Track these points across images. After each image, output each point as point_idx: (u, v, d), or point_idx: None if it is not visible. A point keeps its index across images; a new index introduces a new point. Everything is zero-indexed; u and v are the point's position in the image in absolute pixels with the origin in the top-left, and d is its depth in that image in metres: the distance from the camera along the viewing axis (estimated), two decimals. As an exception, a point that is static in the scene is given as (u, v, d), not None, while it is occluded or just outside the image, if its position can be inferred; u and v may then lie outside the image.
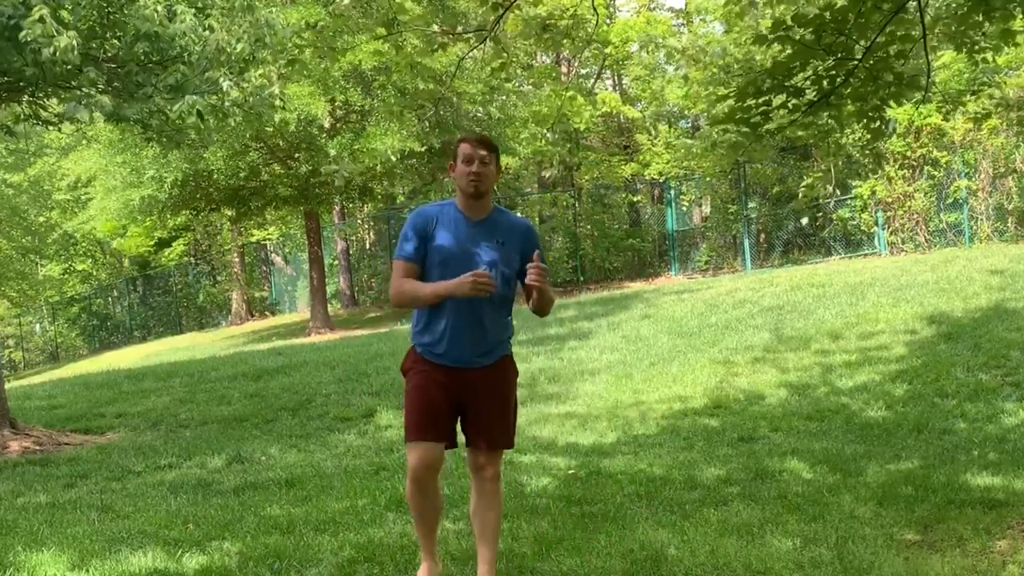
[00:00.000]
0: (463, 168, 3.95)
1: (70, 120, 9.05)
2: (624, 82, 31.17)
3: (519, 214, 29.96)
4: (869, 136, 5.61)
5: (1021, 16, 5.40)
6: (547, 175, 29.47)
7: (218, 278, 33.85)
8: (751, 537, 4.69)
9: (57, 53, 7.93)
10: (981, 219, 17.72)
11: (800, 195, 20.54)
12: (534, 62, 29.18)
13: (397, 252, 4.03)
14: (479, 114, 22.17)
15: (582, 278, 24.54)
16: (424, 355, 4.03)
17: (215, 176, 19.78)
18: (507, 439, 4.09)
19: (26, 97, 9.79)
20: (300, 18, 17.74)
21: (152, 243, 32.94)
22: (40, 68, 8.40)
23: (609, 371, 11.00)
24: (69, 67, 8.23)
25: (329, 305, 23.97)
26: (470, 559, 4.48)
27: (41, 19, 7.67)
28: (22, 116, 10.07)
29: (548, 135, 27.00)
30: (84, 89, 8.99)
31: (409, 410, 4.01)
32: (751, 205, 22.88)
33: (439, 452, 3.97)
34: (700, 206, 25.69)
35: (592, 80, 30.78)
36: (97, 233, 32.35)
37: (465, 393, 4.01)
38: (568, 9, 20.39)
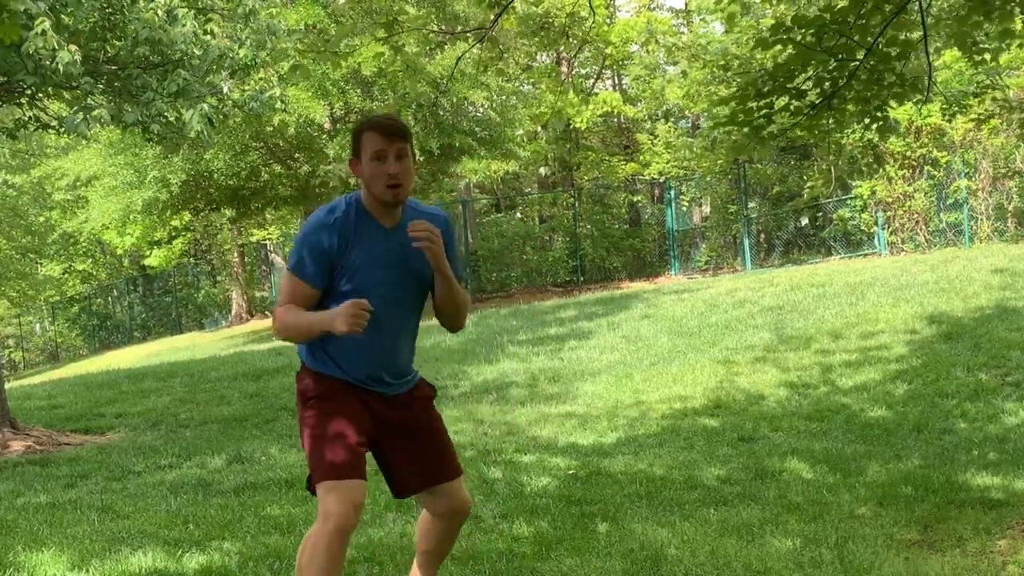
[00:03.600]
0: (376, 168, 3.09)
1: (72, 131, 9.07)
2: (624, 82, 31.17)
3: (516, 214, 29.91)
4: (874, 136, 5.62)
5: (1021, 16, 5.40)
6: (544, 173, 29.46)
7: (218, 278, 33.85)
8: (751, 537, 4.69)
9: (60, 66, 7.97)
10: (981, 219, 17.73)
11: (804, 195, 20.55)
12: (534, 63, 29.19)
13: (294, 266, 3.18)
14: (478, 115, 22.16)
15: (582, 278, 24.54)
16: (335, 377, 3.24)
17: (215, 176, 19.78)
18: (457, 466, 3.40)
19: (25, 99, 9.80)
20: (299, 19, 17.77)
21: (174, 252, 33.04)
22: (41, 76, 8.44)
23: (609, 371, 11.00)
24: (70, 73, 8.27)
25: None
26: (470, 559, 4.48)
27: (43, 32, 7.70)
28: (22, 120, 10.08)
29: (545, 132, 27.01)
30: (83, 99, 9.03)
31: (325, 442, 3.11)
32: (751, 205, 22.88)
33: (364, 491, 3.10)
34: (700, 206, 25.70)
35: (592, 80, 30.79)
36: (114, 247, 32.44)
37: (384, 423, 3.28)
38: (565, 7, 20.41)
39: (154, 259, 32.74)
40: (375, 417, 3.26)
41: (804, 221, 21.74)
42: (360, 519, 3.15)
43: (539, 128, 26.75)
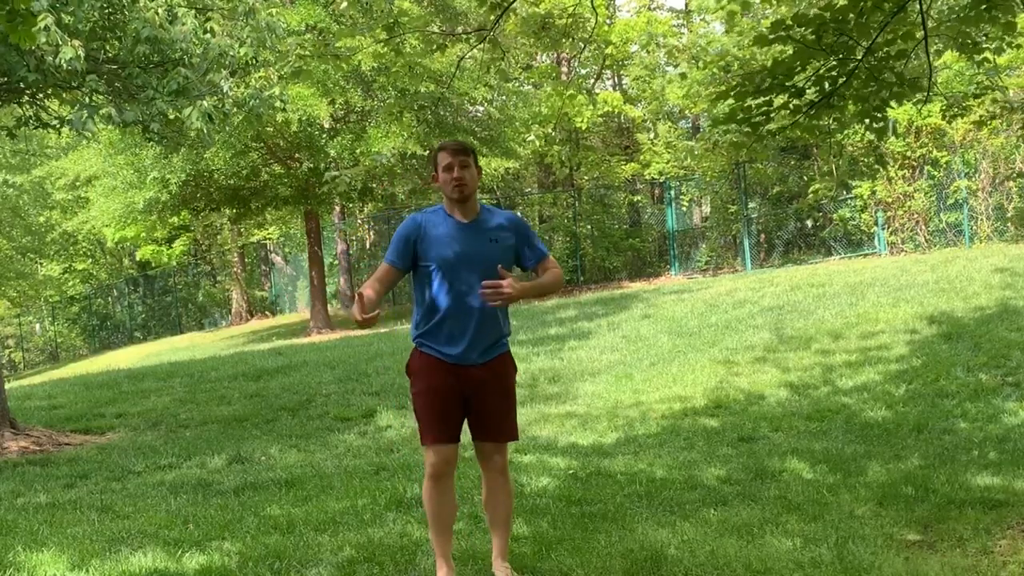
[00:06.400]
0: (445, 175, 4.13)
1: (76, 129, 9.07)
2: (624, 82, 31.16)
3: (518, 213, 30.04)
4: (872, 136, 5.61)
5: (1022, 13, 5.40)
6: (557, 175, 29.50)
7: (218, 278, 33.85)
8: (751, 537, 4.69)
9: (63, 62, 7.97)
10: (981, 219, 17.73)
11: (809, 197, 20.55)
12: (534, 63, 29.18)
13: (387, 252, 4.26)
14: (479, 114, 22.16)
15: (582, 278, 24.54)
16: (429, 354, 4.17)
17: (215, 176, 19.78)
18: (512, 432, 4.26)
19: (26, 99, 9.80)
20: (300, 20, 17.79)
21: (174, 252, 32.98)
22: (42, 73, 8.43)
23: (609, 371, 11.00)
24: (73, 70, 8.26)
25: (329, 305, 23.97)
26: (470, 559, 4.49)
27: (46, 28, 7.70)
28: (23, 119, 10.08)
29: (551, 133, 27.02)
30: (85, 97, 9.02)
31: (422, 413, 4.19)
32: (751, 205, 22.87)
33: (452, 452, 4.19)
34: (700, 206, 25.68)
35: (592, 80, 30.78)
36: (109, 241, 32.38)
37: (469, 389, 4.15)
38: (567, 8, 20.37)
39: (146, 251, 32.71)
40: (461, 386, 4.13)
41: (809, 223, 21.73)
42: (453, 467, 4.20)
43: (549, 131, 26.75)
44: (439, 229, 4.14)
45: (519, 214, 4.42)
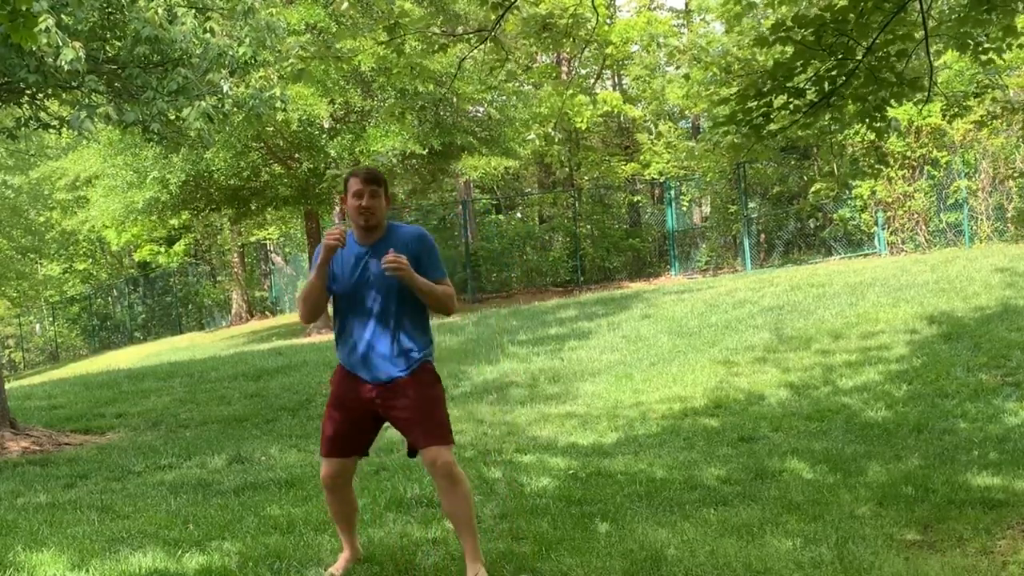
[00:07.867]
0: (353, 202, 4.20)
1: (75, 130, 9.07)
2: (624, 82, 31.16)
3: (517, 214, 29.90)
4: (873, 135, 5.62)
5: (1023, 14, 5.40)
6: (556, 174, 29.49)
7: (218, 278, 33.83)
8: (751, 537, 4.69)
9: (64, 64, 7.97)
10: (981, 219, 17.73)
11: (810, 197, 20.55)
12: (534, 63, 29.18)
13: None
14: (479, 114, 22.16)
15: (582, 278, 24.53)
16: (342, 370, 4.37)
17: (216, 176, 19.77)
18: (437, 435, 4.21)
19: (26, 99, 9.80)
20: (300, 19, 17.78)
21: (175, 253, 32.92)
22: (43, 74, 8.42)
23: (609, 371, 11.00)
24: (74, 71, 8.26)
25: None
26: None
27: (47, 29, 7.69)
28: (23, 119, 10.08)
29: (552, 133, 27.02)
30: (85, 98, 9.01)
31: (323, 425, 4.43)
32: (751, 205, 22.87)
33: (343, 465, 4.36)
34: (700, 206, 25.68)
35: (592, 80, 30.78)
36: (112, 245, 32.36)
37: (380, 404, 4.26)
38: (568, 8, 20.38)
39: (144, 251, 32.65)
40: (369, 403, 4.26)
41: (811, 224, 21.73)
42: (340, 478, 4.36)
43: (549, 130, 26.76)
44: (344, 252, 4.24)
45: (426, 232, 4.44)
